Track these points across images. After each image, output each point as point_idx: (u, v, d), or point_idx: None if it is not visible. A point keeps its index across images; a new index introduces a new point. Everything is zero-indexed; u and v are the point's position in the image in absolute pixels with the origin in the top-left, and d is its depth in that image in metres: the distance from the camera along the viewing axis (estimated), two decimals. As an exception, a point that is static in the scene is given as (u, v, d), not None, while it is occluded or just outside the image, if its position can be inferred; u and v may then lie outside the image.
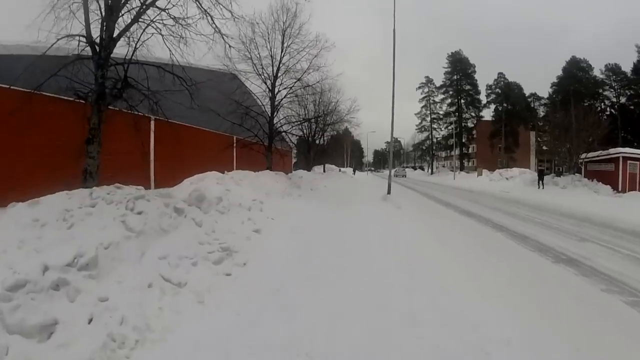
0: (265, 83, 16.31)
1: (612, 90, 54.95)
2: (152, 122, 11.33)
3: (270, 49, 15.99)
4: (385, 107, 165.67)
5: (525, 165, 54.61)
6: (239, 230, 6.74)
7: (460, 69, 64.33)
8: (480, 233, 8.97)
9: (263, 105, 16.67)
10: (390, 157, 17.56)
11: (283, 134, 18.46)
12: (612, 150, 24.12)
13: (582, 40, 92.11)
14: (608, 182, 22.09)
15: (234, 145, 16.49)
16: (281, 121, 17.26)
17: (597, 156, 24.51)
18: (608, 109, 54.54)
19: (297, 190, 13.61)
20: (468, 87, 64.64)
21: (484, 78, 69.27)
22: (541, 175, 26.04)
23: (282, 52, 16.14)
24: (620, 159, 22.39)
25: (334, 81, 17.39)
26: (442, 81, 67.08)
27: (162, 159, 11.80)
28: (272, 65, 16.21)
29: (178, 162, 12.40)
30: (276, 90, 16.50)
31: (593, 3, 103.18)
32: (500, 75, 61.79)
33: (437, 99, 68.98)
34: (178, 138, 11.19)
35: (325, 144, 34.83)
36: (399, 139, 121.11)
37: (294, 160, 36.28)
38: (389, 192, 14.96)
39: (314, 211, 10.34)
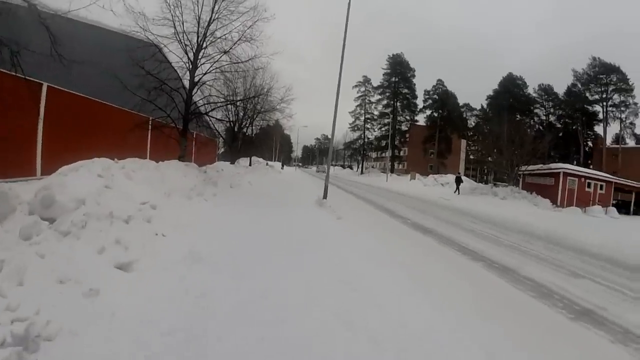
0: (187, 54, 13.21)
1: (543, 108, 58.14)
2: (44, 89, 8.80)
3: (199, 12, 12.95)
4: (319, 103, 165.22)
5: (454, 171, 55.77)
6: (87, 269, 3.92)
7: (399, 71, 64.27)
8: (463, 267, 6.69)
9: (181, 79, 13.50)
10: (330, 154, 14.95)
11: (205, 117, 15.41)
12: (553, 165, 25.22)
13: (515, 62, 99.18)
14: (547, 196, 22.44)
15: (149, 127, 13.22)
16: (202, 101, 14.18)
17: (538, 169, 24.97)
18: (537, 125, 57.71)
19: (212, 188, 10.73)
20: (405, 90, 64.92)
21: (421, 83, 70.15)
22: (458, 182, 27.73)
23: (210, 16, 13.14)
24: (561, 174, 22.93)
25: (269, 60, 14.51)
26: (380, 82, 66.68)
27: (54, 138, 9.07)
28: (198, 33, 13.16)
29: (76, 143, 9.74)
30: (198, 63, 13.46)
31: (532, 30, 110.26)
32: (439, 82, 62.84)
33: (373, 99, 68.54)
34: (76, 113, 9.65)
35: (254, 134, 31.81)
36: (328, 136, 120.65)
37: (221, 151, 32.76)
38: (325, 196, 12.61)
39: (228, 222, 7.60)
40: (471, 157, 67.93)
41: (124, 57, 11.58)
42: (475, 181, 40.72)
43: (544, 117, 58.74)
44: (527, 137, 26.11)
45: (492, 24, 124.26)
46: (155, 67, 12.24)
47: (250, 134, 30.74)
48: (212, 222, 7.34)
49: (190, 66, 13.21)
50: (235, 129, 24.10)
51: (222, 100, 14.80)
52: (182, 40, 12.98)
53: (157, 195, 7.86)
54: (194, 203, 8.73)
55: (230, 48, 13.31)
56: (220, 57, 13.38)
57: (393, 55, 65.77)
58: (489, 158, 33.88)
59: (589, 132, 54.10)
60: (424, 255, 7.13)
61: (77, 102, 10.26)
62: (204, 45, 13.34)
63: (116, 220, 5.63)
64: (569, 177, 22.90)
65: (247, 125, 25.90)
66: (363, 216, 11.43)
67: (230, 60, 13.86)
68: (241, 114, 23.73)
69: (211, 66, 13.43)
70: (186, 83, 13.45)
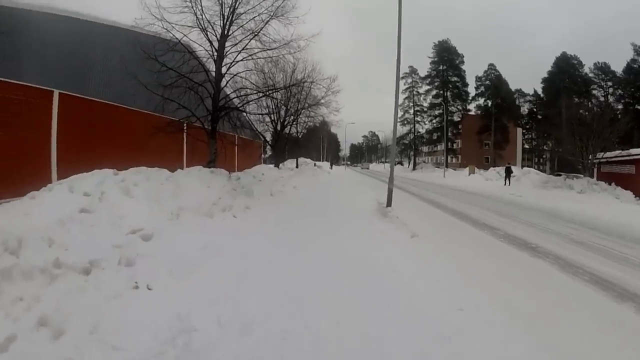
0: (212, 43, 11.15)
1: (601, 89, 52.20)
2: (55, 96, 7.39)
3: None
4: (360, 101, 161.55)
5: (511, 162, 51.40)
6: None
7: (447, 59, 60.16)
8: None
9: (207, 72, 11.39)
10: (393, 150, 12.08)
11: (244, 116, 13.32)
12: (633, 151, 21.43)
13: (547, 41, 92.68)
14: (627, 187, 19.22)
15: (184, 132, 11.48)
16: (233, 94, 12.03)
17: (615, 157, 21.47)
18: (594, 108, 51.95)
19: (244, 200, 8.47)
20: (455, 78, 60.75)
21: (470, 71, 65.33)
22: (508, 173, 25.67)
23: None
24: None
25: (307, 44, 11.95)
26: (427, 71, 62.92)
27: (68, 149, 7.60)
28: (221, 15, 11.06)
29: (90, 152, 8.17)
30: (226, 52, 11.35)
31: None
32: (491, 66, 58.06)
33: (421, 90, 64.75)
34: (90, 120, 8.33)
35: (299, 134, 29.60)
36: (376, 133, 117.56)
37: (268, 154, 30.75)
38: (389, 203, 10.04)
39: (256, 254, 5.19)
40: (525, 146, 62.79)
41: (139, 53, 9.73)
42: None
43: (602, 99, 52.35)
44: (603, 120, 22.12)
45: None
46: (177, 61, 10.36)
47: (296, 134, 28.59)
48: (231, 256, 5.00)
49: (216, 56, 11.13)
50: (278, 128, 21.94)
51: (255, 92, 12.43)
52: (205, 28, 10.92)
53: (160, 216, 5.72)
54: (215, 223, 6.50)
55: (260, 29, 11.06)
56: (249, 41, 11.15)
57: (439, 42, 61.68)
58: (556, 147, 30.17)
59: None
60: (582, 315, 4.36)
61: (91, 108, 8.73)
62: (230, 31, 11.20)
63: (66, 274, 3.47)
64: (651, 165, 19.60)
65: (291, 123, 23.65)
66: (442, 230, 8.51)
67: (263, 45, 11.61)
68: (283, 112, 21.58)
69: (238, 53, 11.23)
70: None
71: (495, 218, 10.58)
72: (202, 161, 11.08)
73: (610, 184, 19.93)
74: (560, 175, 24.43)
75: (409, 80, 65.29)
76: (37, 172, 6.95)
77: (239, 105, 11.87)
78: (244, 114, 13.14)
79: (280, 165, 24.13)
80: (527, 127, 62.27)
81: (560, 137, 25.65)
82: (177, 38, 10.61)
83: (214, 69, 11.30)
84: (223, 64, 11.29)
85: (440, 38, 62.65)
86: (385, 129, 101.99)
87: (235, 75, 11.78)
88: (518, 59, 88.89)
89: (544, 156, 61.28)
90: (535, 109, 61.01)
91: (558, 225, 9.75)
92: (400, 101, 65.12)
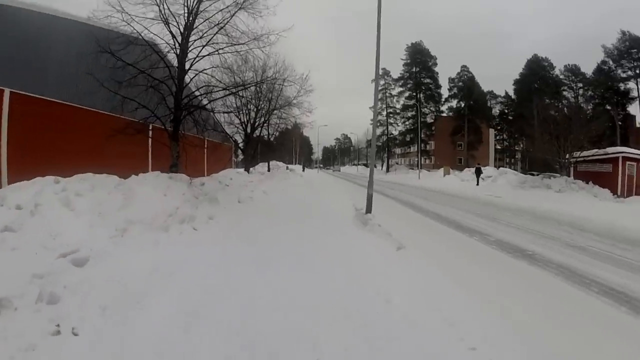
0: (174, 36, 10.26)
1: (572, 90, 53.52)
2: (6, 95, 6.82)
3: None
4: (334, 103, 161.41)
5: (484, 162, 51.83)
6: None
7: (420, 60, 60.26)
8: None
9: (169, 67, 10.44)
10: (373, 148, 10.73)
11: (212, 117, 12.40)
12: (610, 150, 21.48)
13: (523, 46, 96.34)
14: (604, 185, 19.40)
15: (149, 133, 10.72)
16: (197, 92, 11.12)
17: (592, 155, 21.30)
18: (565, 109, 53.12)
19: (208, 208, 7.60)
20: (428, 80, 60.88)
21: (443, 73, 65.85)
22: (478, 173, 26.84)
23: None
24: (620, 159, 19.84)
25: (278, 39, 11.12)
26: (400, 73, 62.78)
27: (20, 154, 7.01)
28: (186, 8, 10.21)
29: (46, 157, 7.61)
30: (189, 46, 10.48)
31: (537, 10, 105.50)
32: (464, 68, 58.53)
33: (394, 92, 64.45)
34: (47, 122, 7.77)
35: (271, 137, 28.66)
36: (349, 135, 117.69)
37: (240, 158, 29.51)
38: (368, 210, 9.19)
39: (216, 280, 4.32)
40: (497, 147, 63.72)
41: (96, 48, 8.87)
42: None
43: (572, 100, 53.63)
44: (580, 118, 22.27)
45: (491, 4, 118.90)
46: (137, 55, 9.49)
47: (267, 137, 27.65)
48: (184, 283, 4.14)
49: (179, 50, 10.25)
50: (248, 130, 20.95)
51: (222, 89, 11.49)
52: (167, 19, 10.02)
53: (103, 233, 4.86)
54: (171, 238, 5.65)
55: (227, 21, 10.25)
56: (215, 34, 10.30)
57: (412, 44, 61.64)
58: (530, 147, 30.45)
59: (620, 112, 49.06)
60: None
61: (48, 109, 8.01)
62: (195, 24, 10.37)
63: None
64: (627, 162, 19.74)
65: (262, 125, 22.64)
66: (428, 237, 7.65)
67: (230, 40, 10.78)
68: (253, 113, 20.60)
69: (203, 47, 10.36)
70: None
71: (481, 222, 10.05)
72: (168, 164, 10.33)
73: (587, 183, 19.97)
74: (534, 174, 24.48)
75: (382, 82, 65.05)
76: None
77: (204, 105, 10.97)
78: (212, 114, 12.25)
79: (251, 169, 23.13)
80: (499, 127, 63.20)
81: (536, 136, 25.75)
82: (137, 31, 9.71)
83: (177, 65, 10.42)
84: (187, 59, 10.41)
85: (414, 40, 63.02)
86: (358, 131, 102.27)
87: (201, 71, 10.89)
88: (491, 63, 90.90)
89: (516, 156, 62.35)
90: (506, 110, 61.93)
91: (546, 227, 9.33)
92: (372, 103, 65.06)
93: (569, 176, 21.92)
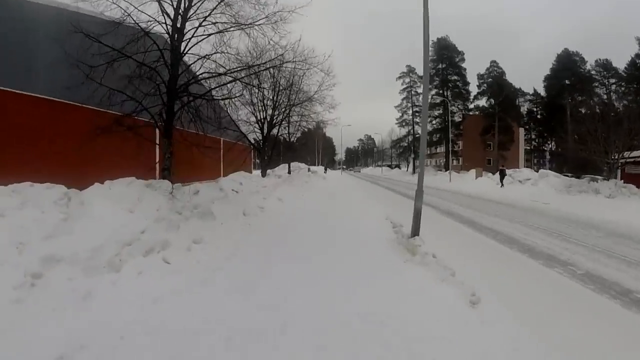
0: (168, 16, 8.38)
1: (604, 86, 50.18)
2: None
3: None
4: (355, 106, 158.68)
5: (514, 164, 48.73)
6: None
7: (446, 56, 57.23)
8: None
9: (161, 50, 8.49)
10: (423, 143, 7.77)
11: (225, 113, 10.50)
12: None
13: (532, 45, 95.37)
14: None
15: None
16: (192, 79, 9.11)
17: None
18: (596, 106, 49.89)
19: (196, 227, 5.61)
20: (455, 77, 57.67)
21: (469, 71, 62.67)
22: (502, 174, 26.25)
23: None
24: None
25: (291, 14, 8.99)
26: (426, 70, 59.78)
27: None
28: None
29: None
30: (187, 26, 8.58)
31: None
32: (493, 63, 55.03)
33: (419, 90, 61.47)
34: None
35: (292, 136, 26.54)
36: (372, 136, 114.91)
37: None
38: (415, 232, 6.73)
39: None
40: (526, 147, 60.25)
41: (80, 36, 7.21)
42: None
43: (604, 96, 49.97)
44: (632, 116, 19.54)
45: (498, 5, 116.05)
46: (126, 38, 7.77)
47: (289, 137, 25.56)
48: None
49: (172, 31, 8.36)
50: (265, 129, 18.83)
51: (223, 74, 9.37)
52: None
53: (7, 280, 2.89)
54: (121, 284, 3.65)
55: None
56: (216, 6, 8.35)
57: (438, 39, 58.44)
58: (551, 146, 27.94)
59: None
60: None
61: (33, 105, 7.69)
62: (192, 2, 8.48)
63: None
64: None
65: (280, 122, 20.46)
66: (507, 277, 5.12)
67: (235, 19, 8.85)
68: (270, 110, 18.55)
69: (200, 24, 8.43)
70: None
71: (552, 242, 7.55)
72: (180, 166, 9.41)
73: (639, 187, 17.35)
74: (579, 177, 21.95)
75: (407, 80, 62.48)
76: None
77: (204, 93, 8.97)
78: (225, 109, 10.33)
79: (269, 171, 21.09)
80: (527, 127, 59.85)
81: (581, 135, 23.09)
82: (124, 10, 7.90)
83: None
84: (183, 39, 8.51)
85: (439, 36, 60.06)
86: (382, 131, 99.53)
87: (202, 57, 8.94)
88: (509, 61, 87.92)
89: (545, 157, 59.00)
90: (535, 109, 58.56)
91: (629, 248, 7.02)
92: (398, 102, 62.49)
93: (616, 179, 19.33)
